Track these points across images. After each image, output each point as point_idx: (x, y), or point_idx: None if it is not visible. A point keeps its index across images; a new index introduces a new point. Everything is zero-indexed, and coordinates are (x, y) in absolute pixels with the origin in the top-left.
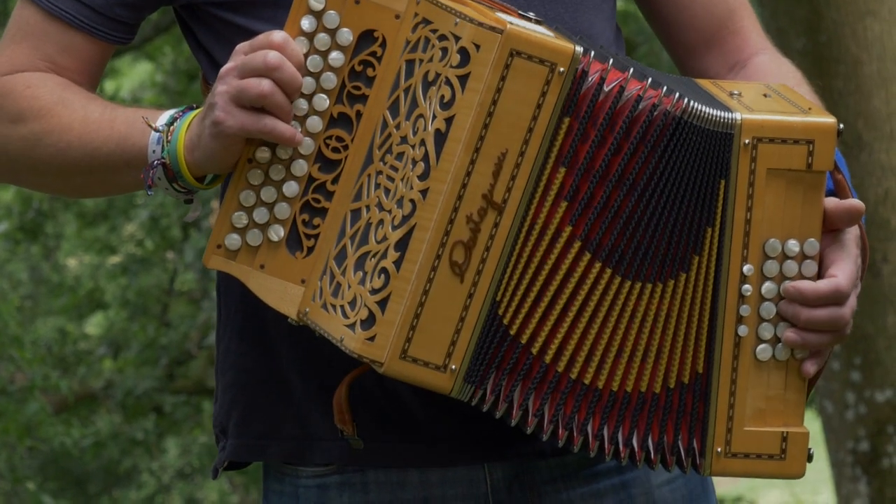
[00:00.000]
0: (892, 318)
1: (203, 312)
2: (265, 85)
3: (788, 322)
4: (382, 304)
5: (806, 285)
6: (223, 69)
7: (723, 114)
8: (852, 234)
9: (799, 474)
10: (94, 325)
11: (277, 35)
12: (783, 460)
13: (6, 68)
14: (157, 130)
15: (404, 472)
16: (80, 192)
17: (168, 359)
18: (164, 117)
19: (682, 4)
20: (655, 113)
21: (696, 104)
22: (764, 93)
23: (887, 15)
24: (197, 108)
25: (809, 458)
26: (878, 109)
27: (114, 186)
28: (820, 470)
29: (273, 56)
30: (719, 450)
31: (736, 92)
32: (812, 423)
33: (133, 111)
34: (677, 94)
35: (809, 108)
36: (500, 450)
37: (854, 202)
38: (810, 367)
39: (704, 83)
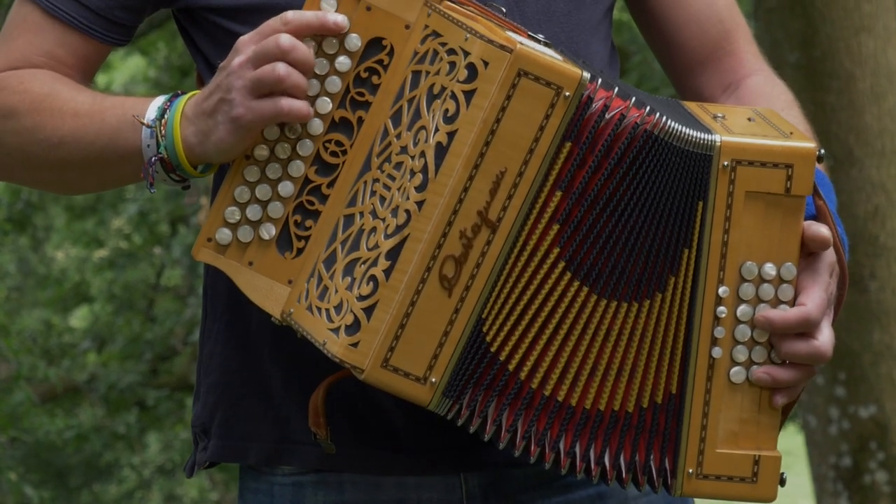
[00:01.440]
0: (877, 335)
1: (189, 309)
2: (280, 69)
3: (762, 347)
4: (369, 311)
5: (775, 314)
6: (234, 63)
7: (702, 135)
8: (826, 261)
9: (770, 498)
10: (78, 318)
11: (288, 13)
12: (755, 483)
13: (2, 64)
14: (148, 126)
15: (379, 476)
16: (74, 187)
17: (152, 354)
18: (152, 110)
19: (679, 24)
20: (636, 131)
21: (674, 124)
22: (749, 117)
23: (882, 31)
24: (183, 94)
25: (782, 482)
26: (870, 125)
27: (109, 179)
28: (801, 484)
29: (285, 38)
30: (690, 471)
31: (720, 115)
32: (795, 437)
33: (122, 102)
34: (658, 114)
35: (791, 133)
36: (476, 459)
37: (821, 232)
38: (780, 399)
39: (691, 106)
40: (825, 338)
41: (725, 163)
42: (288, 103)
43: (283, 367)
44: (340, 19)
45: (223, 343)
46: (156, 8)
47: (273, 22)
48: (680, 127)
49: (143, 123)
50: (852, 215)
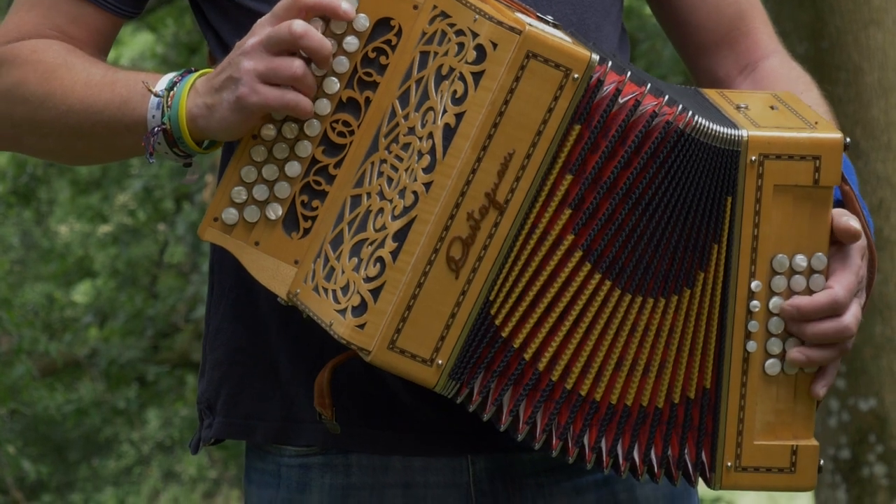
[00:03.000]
0: (879, 328)
1: (191, 286)
2: (297, 67)
3: (796, 338)
4: (375, 292)
5: (803, 301)
6: (248, 44)
7: (729, 131)
8: (857, 244)
9: (809, 487)
10: (81, 293)
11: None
12: (793, 473)
13: (14, 35)
14: (157, 95)
15: (387, 457)
16: (81, 158)
17: (154, 330)
18: (163, 81)
19: (695, 4)
20: (667, 129)
21: (702, 120)
22: (771, 104)
23: (891, 25)
24: (196, 71)
25: (819, 470)
26: (877, 119)
27: (115, 151)
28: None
29: (298, 24)
30: (729, 464)
31: (743, 105)
32: None
33: (134, 75)
34: (685, 109)
35: (816, 123)
36: (483, 442)
37: (849, 226)
38: (820, 390)
39: (712, 94)
40: (851, 314)
41: (753, 157)
42: (294, 98)
43: (290, 345)
44: (349, 7)
45: (231, 319)
46: None
47: (284, 1)
48: (708, 123)
49: (151, 92)
50: None
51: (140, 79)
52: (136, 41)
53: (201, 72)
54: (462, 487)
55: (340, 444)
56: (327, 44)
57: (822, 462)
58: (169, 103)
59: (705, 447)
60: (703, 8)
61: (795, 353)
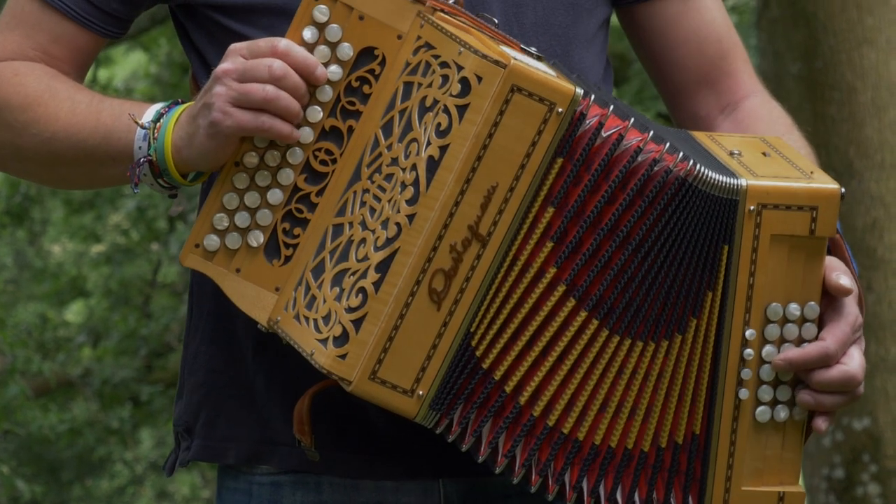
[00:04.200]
0: (873, 347)
1: (185, 305)
2: (269, 90)
3: (789, 388)
4: (357, 323)
5: (793, 354)
6: (219, 70)
7: (728, 180)
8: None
9: None
10: (73, 312)
11: (282, 43)
12: None
13: None
14: (143, 127)
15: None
16: (64, 183)
17: (147, 350)
18: (150, 113)
19: (677, 42)
20: (656, 168)
21: (703, 169)
22: (763, 150)
23: (884, 44)
24: (183, 103)
25: None
26: (871, 138)
27: (98, 179)
28: None
29: (278, 66)
30: None
31: (736, 151)
32: None
33: (119, 104)
34: (682, 154)
35: (812, 172)
36: (455, 467)
37: (841, 286)
38: (822, 424)
39: (701, 137)
40: (855, 362)
41: (752, 207)
42: (270, 122)
43: (266, 369)
44: (323, 74)
45: (208, 343)
46: (153, 2)
47: (264, 44)
48: (708, 172)
49: (137, 124)
50: (850, 228)
51: (125, 109)
52: (129, 61)
53: (188, 104)
54: None
55: (313, 467)
56: (303, 86)
57: (841, 477)
58: (155, 135)
59: (692, 492)
60: (685, 47)
61: (805, 395)
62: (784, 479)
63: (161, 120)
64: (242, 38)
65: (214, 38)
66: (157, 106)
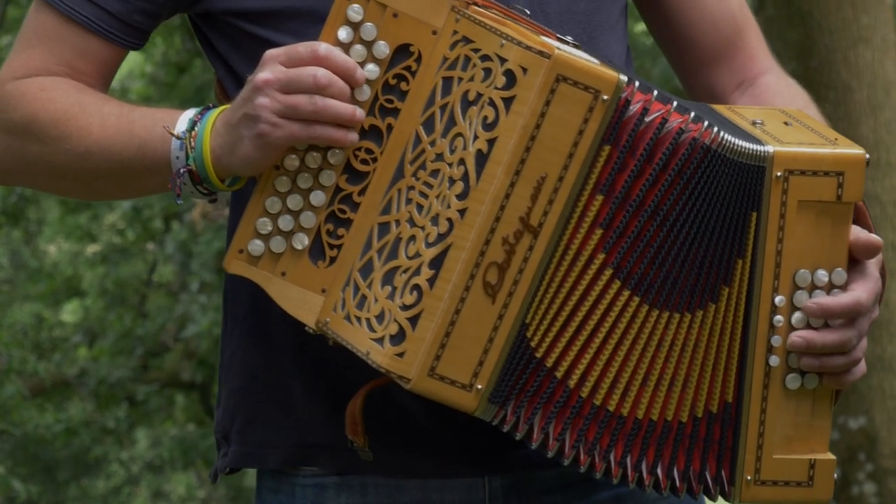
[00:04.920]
0: (869, 346)
1: (180, 305)
2: (318, 103)
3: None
4: (413, 320)
5: (827, 299)
6: (259, 80)
7: (755, 147)
8: (875, 261)
9: (825, 500)
10: (69, 312)
11: (322, 47)
12: (811, 487)
13: (21, 72)
14: (178, 138)
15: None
16: (98, 195)
17: (143, 350)
18: (182, 122)
19: (692, 20)
20: (694, 146)
21: (728, 136)
22: (784, 121)
23: (880, 43)
24: (214, 107)
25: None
26: (866, 137)
27: (133, 190)
28: None
29: (323, 75)
30: (749, 477)
31: (759, 121)
32: None
33: (151, 114)
34: (711, 125)
35: (836, 139)
36: (499, 461)
37: (873, 239)
38: (848, 378)
39: (722, 110)
40: (859, 328)
41: (779, 173)
42: (323, 131)
43: (305, 373)
44: (362, 76)
45: (244, 348)
46: (173, 12)
47: (304, 50)
48: (734, 139)
49: (173, 135)
50: None
51: (157, 119)
52: (125, 61)
53: (220, 109)
54: None
55: (357, 469)
56: (348, 91)
57: (836, 476)
58: (192, 144)
59: (725, 462)
60: (701, 24)
61: (795, 337)
62: (814, 447)
63: (195, 128)
64: (269, 43)
65: (240, 46)
66: (189, 113)
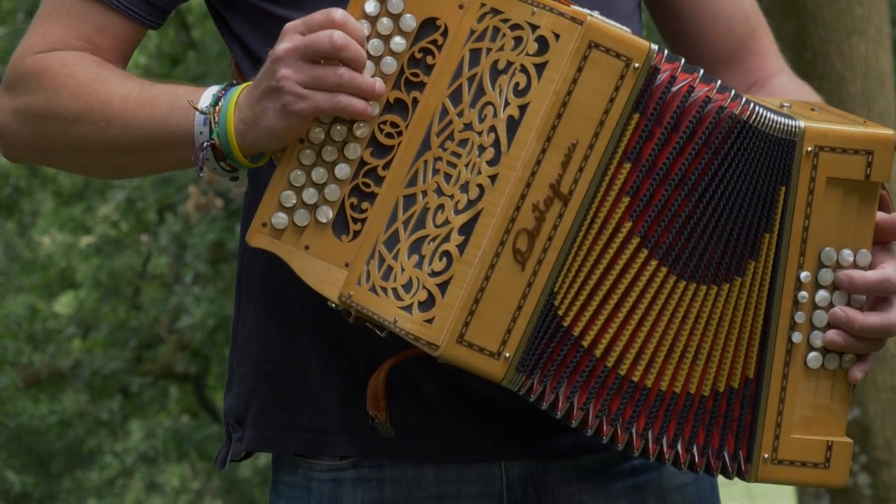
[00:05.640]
0: None
1: (175, 297)
2: (343, 75)
3: (841, 329)
4: (443, 286)
5: (856, 273)
6: (280, 50)
7: (787, 121)
8: None
9: (841, 483)
10: (63, 304)
11: (337, 13)
12: (827, 469)
13: (40, 46)
14: (202, 112)
15: (420, 468)
16: (116, 172)
17: (137, 341)
18: (206, 97)
19: (705, 21)
20: (722, 115)
21: (762, 109)
22: (811, 107)
23: (874, 34)
24: (237, 83)
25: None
26: None
27: (154, 165)
28: (783, 486)
29: (339, 36)
30: (766, 456)
31: (786, 104)
32: None
33: (172, 89)
34: (744, 99)
35: (864, 122)
36: (517, 448)
37: None
38: (858, 373)
39: (748, 97)
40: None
41: (809, 148)
42: (347, 101)
43: (322, 356)
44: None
45: (258, 332)
46: None
47: (321, 17)
48: (766, 112)
49: (197, 109)
50: None
51: (180, 94)
52: None
53: (244, 85)
54: (495, 497)
55: (375, 453)
56: (364, 56)
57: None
58: (216, 119)
59: (743, 439)
60: (715, 24)
61: (833, 334)
62: (832, 430)
63: (220, 103)
64: (287, 21)
65: (257, 25)
66: (213, 89)
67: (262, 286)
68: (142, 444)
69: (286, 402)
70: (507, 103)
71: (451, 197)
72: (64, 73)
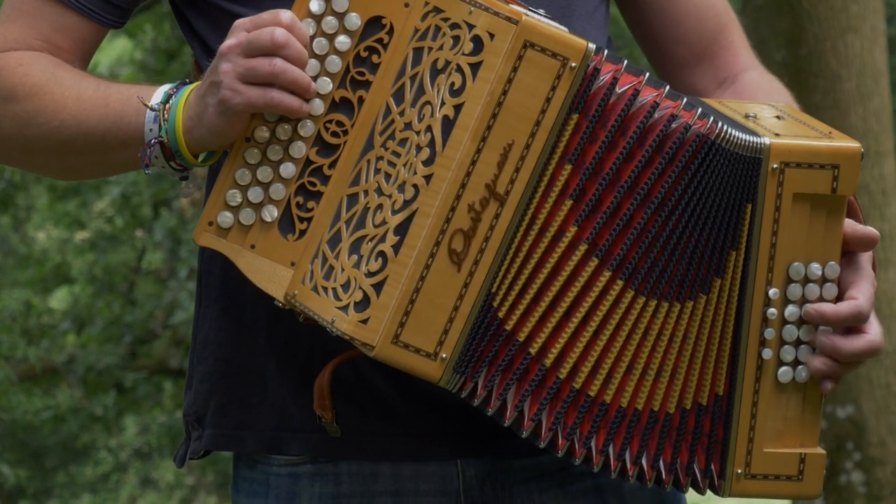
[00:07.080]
0: None
1: (169, 292)
2: (277, 63)
3: (826, 355)
4: (378, 287)
5: (827, 307)
6: (224, 46)
7: (751, 138)
8: (867, 255)
9: (815, 495)
10: (58, 299)
11: (285, 14)
12: (800, 481)
13: None
14: (152, 109)
15: (377, 464)
16: (72, 172)
17: (131, 337)
18: (158, 94)
19: (675, 19)
20: (674, 125)
21: (725, 127)
22: (776, 115)
23: (869, 32)
24: (190, 83)
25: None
26: (855, 126)
27: (108, 166)
28: None
29: (280, 33)
30: (739, 471)
31: (751, 114)
32: None
33: (127, 88)
34: (700, 111)
35: (830, 133)
36: (474, 447)
37: (870, 231)
38: (829, 384)
39: (712, 103)
40: (876, 330)
41: (775, 165)
42: (280, 97)
43: (278, 354)
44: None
45: (217, 330)
46: None
47: (268, 17)
48: (731, 130)
49: (147, 106)
50: None
51: (133, 92)
52: (114, 47)
53: (196, 83)
54: (452, 495)
55: (331, 451)
56: (305, 56)
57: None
58: (165, 116)
59: (715, 455)
60: (686, 22)
61: (818, 363)
62: (805, 441)
63: (170, 101)
64: None
65: (217, 24)
66: (165, 87)
67: (220, 286)
68: (136, 440)
69: (244, 400)
70: (442, 103)
71: (390, 197)
72: (20, 72)
